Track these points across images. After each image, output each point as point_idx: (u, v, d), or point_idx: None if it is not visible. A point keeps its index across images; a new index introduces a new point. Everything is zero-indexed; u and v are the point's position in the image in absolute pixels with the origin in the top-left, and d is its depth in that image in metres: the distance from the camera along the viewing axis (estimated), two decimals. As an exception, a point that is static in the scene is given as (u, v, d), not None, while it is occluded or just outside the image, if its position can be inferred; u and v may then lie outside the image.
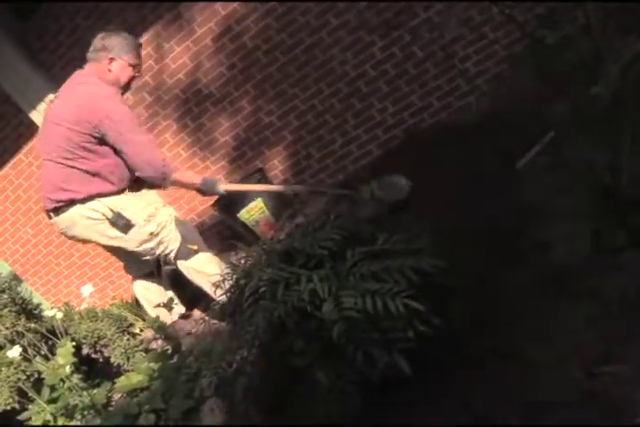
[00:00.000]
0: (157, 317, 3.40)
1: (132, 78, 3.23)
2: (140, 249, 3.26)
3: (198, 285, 3.35)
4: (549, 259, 1.97)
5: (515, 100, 2.91)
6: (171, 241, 3.27)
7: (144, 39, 4.28)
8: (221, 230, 4.67)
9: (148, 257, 3.33)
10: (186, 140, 4.56)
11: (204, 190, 3.22)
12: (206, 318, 2.42)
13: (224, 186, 3.29)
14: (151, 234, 3.21)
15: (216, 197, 4.10)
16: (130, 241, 3.22)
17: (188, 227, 3.43)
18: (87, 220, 3.14)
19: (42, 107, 4.51)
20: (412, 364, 1.72)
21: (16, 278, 5.36)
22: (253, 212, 4.01)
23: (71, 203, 3.12)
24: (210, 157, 4.57)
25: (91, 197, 3.11)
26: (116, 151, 3.07)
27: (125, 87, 3.24)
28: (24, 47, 4.56)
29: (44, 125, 3.21)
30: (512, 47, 3.80)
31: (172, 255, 3.31)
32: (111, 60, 3.13)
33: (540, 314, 1.82)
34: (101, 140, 3.03)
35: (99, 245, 3.41)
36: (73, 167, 3.06)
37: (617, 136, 1.79)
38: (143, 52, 4.24)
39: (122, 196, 3.18)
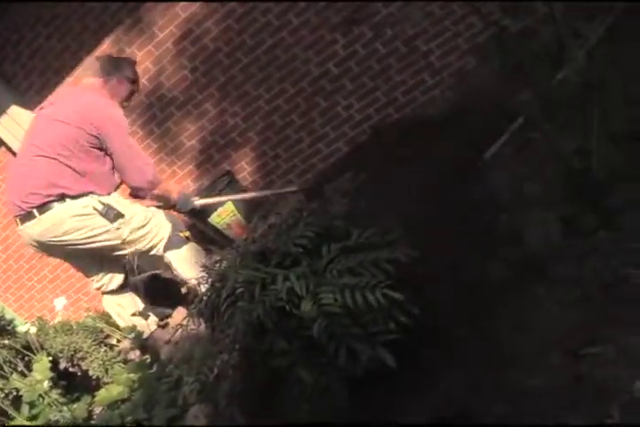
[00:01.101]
0: (134, 326, 3.35)
1: (132, 93, 3.41)
2: (130, 241, 3.22)
3: (186, 276, 3.31)
4: (523, 246, 1.97)
5: (480, 91, 2.92)
6: (161, 228, 3.30)
7: (105, 45, 4.25)
8: (193, 236, 4.62)
9: (126, 251, 3.27)
10: (152, 146, 4.52)
11: (179, 208, 3.41)
12: (184, 324, 2.38)
13: (198, 202, 3.50)
14: (145, 218, 3.26)
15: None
16: (121, 232, 3.19)
17: (175, 218, 3.51)
18: (76, 217, 3.11)
19: (5, 119, 4.44)
20: (395, 356, 1.72)
21: (-13, 296, 5.26)
22: (224, 215, 3.98)
23: (62, 198, 3.09)
24: (177, 161, 4.54)
25: (82, 194, 3.12)
26: (110, 158, 3.17)
27: (126, 101, 3.40)
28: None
29: (40, 123, 3.25)
30: (474, 39, 3.83)
31: (162, 245, 3.30)
32: (108, 77, 3.30)
33: (518, 301, 1.82)
34: (100, 144, 3.13)
35: (73, 256, 3.36)
36: (68, 166, 3.09)
37: (585, 120, 1.80)
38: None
39: (111, 196, 3.25)
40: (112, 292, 3.49)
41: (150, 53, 4.26)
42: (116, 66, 3.33)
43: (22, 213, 3.13)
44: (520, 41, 1.98)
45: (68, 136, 3.08)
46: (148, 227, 3.26)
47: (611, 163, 1.91)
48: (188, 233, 3.41)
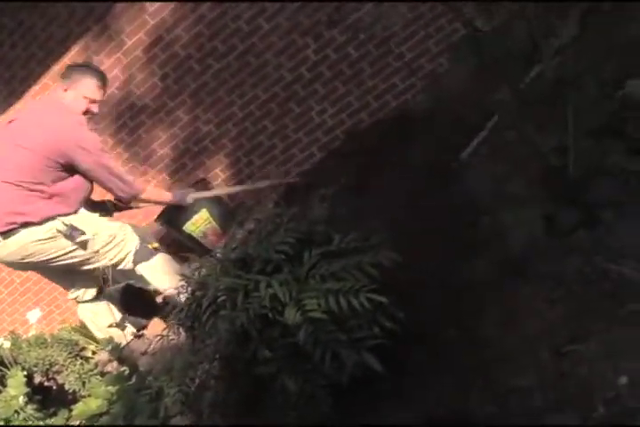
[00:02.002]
0: (111, 338, 3.29)
1: (88, 111, 3.24)
2: (96, 257, 3.18)
3: (160, 287, 3.27)
4: (506, 245, 1.98)
5: (454, 91, 2.94)
6: (127, 242, 3.25)
7: (73, 53, 4.18)
8: (168, 245, 4.56)
9: (96, 265, 3.22)
10: (123, 154, 4.46)
11: (180, 203, 3.51)
12: (164, 334, 2.34)
13: (195, 195, 3.57)
14: (109, 236, 3.18)
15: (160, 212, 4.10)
16: (87, 251, 3.14)
17: (141, 228, 3.50)
18: (40, 241, 3.05)
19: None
20: (381, 361, 1.70)
21: (-45, 311, 5.14)
22: (199, 223, 3.94)
23: (25, 225, 3.02)
24: (150, 170, 4.48)
25: (47, 219, 3.05)
26: (84, 176, 3.13)
27: (82, 114, 3.22)
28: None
29: (2, 145, 3.11)
30: (445, 41, 3.86)
31: (130, 259, 3.25)
32: (67, 87, 3.18)
33: (503, 300, 1.83)
34: (67, 167, 3.05)
35: (43, 271, 3.33)
36: (32, 191, 3.01)
37: (560, 118, 1.81)
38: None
39: (76, 214, 3.16)
40: (87, 301, 3.45)
41: (119, 61, 4.20)
42: (75, 78, 3.19)
43: None
44: (494, 40, 1.99)
45: (33, 164, 2.99)
46: (113, 242, 3.21)
47: (587, 159, 1.92)
48: (156, 244, 3.37)
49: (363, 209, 2.57)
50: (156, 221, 4.18)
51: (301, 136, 4.28)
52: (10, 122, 3.20)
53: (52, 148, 2.98)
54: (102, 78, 3.29)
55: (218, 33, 4.05)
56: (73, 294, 3.42)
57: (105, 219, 3.28)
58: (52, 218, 3.05)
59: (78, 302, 3.47)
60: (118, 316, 3.46)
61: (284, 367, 1.82)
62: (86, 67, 3.32)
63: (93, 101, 3.24)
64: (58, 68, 4.22)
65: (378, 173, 3.08)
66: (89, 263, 3.22)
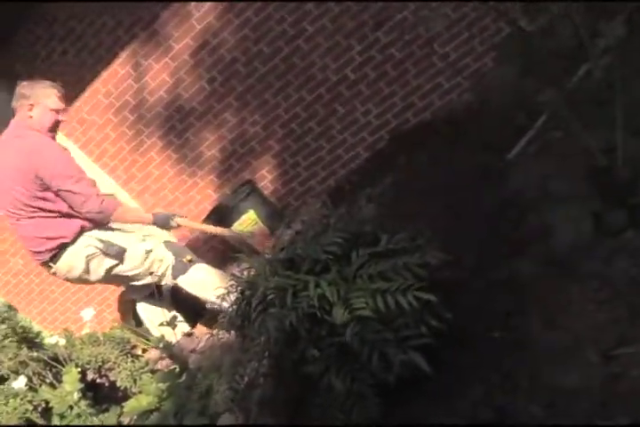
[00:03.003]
0: (162, 336, 3.36)
1: (56, 122, 3.28)
2: (137, 272, 3.32)
3: (202, 297, 3.37)
4: (552, 245, 1.96)
5: (500, 91, 2.92)
6: (165, 258, 3.35)
7: (121, 59, 4.29)
8: (215, 246, 4.64)
9: (146, 280, 3.34)
10: (172, 156, 4.55)
11: (158, 225, 3.41)
12: (213, 332, 2.39)
13: (179, 220, 3.44)
14: (147, 252, 3.29)
15: (208, 212, 4.19)
16: (127, 266, 3.29)
17: (173, 243, 3.56)
18: (84, 258, 3.21)
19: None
20: (428, 360, 1.71)
21: (11, 309, 5.29)
22: (246, 224, 3.99)
23: (63, 247, 3.18)
24: (198, 171, 4.56)
25: (78, 235, 3.19)
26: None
27: (52, 130, 3.27)
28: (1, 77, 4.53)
29: None
30: (489, 41, 3.84)
31: (170, 273, 3.35)
32: (31, 106, 3.19)
33: (549, 300, 1.81)
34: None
35: (99, 281, 3.47)
36: (50, 216, 3.14)
37: (608, 118, 1.79)
38: (122, 71, 4.29)
39: (107, 227, 3.29)
40: (143, 298, 3.61)
41: (167, 65, 4.30)
42: (32, 93, 3.21)
43: (42, 262, 3.29)
44: (539, 39, 1.98)
45: (27, 196, 3.10)
46: (151, 257, 3.34)
47: (636, 160, 1.89)
48: (190, 257, 3.44)
49: (409, 208, 2.58)
50: (204, 221, 4.26)
51: (347, 137, 4.31)
52: None
53: (26, 174, 3.06)
54: (58, 88, 3.30)
55: (263, 36, 4.12)
56: (132, 294, 3.55)
57: (140, 234, 3.39)
58: (81, 232, 3.19)
59: (135, 300, 3.60)
60: (169, 315, 3.54)
61: (331, 366, 1.84)
62: (38, 82, 3.29)
63: (59, 111, 3.26)
64: (107, 73, 4.34)
65: (423, 173, 3.08)
66: (137, 279, 3.38)
